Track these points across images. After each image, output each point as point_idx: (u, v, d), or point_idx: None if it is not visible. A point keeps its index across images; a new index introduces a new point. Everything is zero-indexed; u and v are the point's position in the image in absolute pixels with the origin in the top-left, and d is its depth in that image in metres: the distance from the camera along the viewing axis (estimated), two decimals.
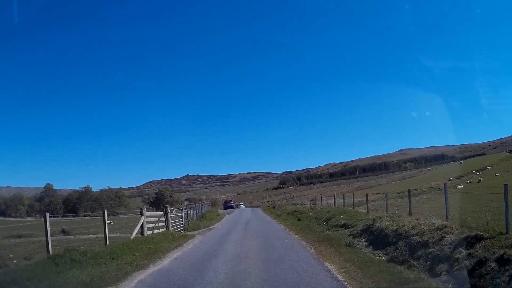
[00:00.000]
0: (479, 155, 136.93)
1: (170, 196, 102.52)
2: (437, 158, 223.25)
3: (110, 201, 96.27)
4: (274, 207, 41.62)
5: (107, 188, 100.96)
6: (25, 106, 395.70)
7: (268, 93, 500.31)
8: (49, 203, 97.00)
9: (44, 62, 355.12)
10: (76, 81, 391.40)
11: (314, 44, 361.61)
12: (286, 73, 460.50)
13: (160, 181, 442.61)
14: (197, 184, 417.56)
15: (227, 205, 63.86)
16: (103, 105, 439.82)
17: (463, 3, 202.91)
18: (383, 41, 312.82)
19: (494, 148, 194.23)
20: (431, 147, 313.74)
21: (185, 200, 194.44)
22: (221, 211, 47.55)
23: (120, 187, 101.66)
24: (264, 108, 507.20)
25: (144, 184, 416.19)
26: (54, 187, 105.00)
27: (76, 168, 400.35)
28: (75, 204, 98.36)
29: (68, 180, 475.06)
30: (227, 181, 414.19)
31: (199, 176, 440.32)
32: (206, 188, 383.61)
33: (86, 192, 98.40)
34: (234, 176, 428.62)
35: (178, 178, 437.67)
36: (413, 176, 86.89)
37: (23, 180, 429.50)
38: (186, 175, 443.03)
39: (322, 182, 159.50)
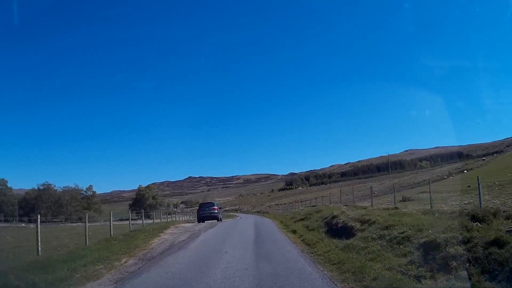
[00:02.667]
0: (497, 152, 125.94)
1: (153, 198, 78.25)
2: (453, 156, 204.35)
3: (75, 203, 72.63)
4: (333, 225, 11.46)
5: (74, 186, 77.07)
6: (29, 108, 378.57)
7: (271, 94, 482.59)
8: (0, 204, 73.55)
9: (40, 63, 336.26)
10: (76, 81, 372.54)
11: (314, 46, 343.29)
12: (289, 75, 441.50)
13: (162, 183, 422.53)
14: (200, 186, 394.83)
15: (204, 213, 29.55)
16: (103, 106, 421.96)
17: (463, 3, 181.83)
18: (383, 42, 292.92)
19: (507, 146, 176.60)
20: (437, 147, 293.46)
21: (182, 203, 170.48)
22: (186, 228, 19.01)
23: (90, 185, 77.39)
24: (267, 110, 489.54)
25: (145, 186, 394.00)
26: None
27: (76, 170, 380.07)
28: (33, 205, 74.79)
29: (68, 181, 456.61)
30: (231, 183, 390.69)
31: (202, 178, 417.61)
32: (208, 190, 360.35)
33: (45, 191, 74.65)
34: (238, 178, 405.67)
35: (180, 180, 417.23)
36: (471, 169, 63.86)
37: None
38: (189, 177, 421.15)
39: (335, 181, 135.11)
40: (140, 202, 76.55)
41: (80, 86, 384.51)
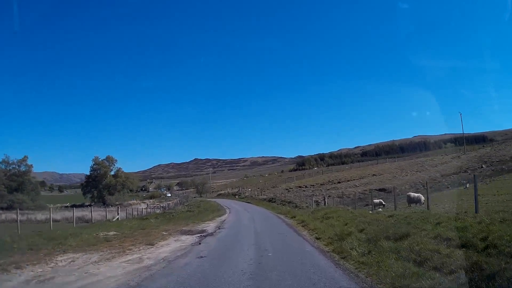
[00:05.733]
0: None
1: (114, 176, 51.26)
2: (478, 140, 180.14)
3: None
4: None
5: (4, 157, 51.13)
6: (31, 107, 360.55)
7: (281, 79, 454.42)
8: None
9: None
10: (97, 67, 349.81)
11: (317, 38, 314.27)
12: (297, 65, 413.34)
13: (168, 164, 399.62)
14: (206, 168, 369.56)
15: None
16: (116, 89, 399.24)
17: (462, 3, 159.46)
18: (383, 41, 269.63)
19: None
20: (445, 134, 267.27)
21: (176, 184, 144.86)
22: None
23: (25, 156, 50.72)
24: (275, 94, 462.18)
25: (151, 168, 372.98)
26: None
27: (79, 153, 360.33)
28: None
29: (77, 166, 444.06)
30: (237, 165, 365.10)
31: (208, 160, 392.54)
32: (214, 172, 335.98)
33: None
34: (245, 160, 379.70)
35: (186, 162, 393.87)
36: None
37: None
38: (195, 159, 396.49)
39: (358, 161, 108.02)
40: (95, 182, 50.06)
41: (96, 83, 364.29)
